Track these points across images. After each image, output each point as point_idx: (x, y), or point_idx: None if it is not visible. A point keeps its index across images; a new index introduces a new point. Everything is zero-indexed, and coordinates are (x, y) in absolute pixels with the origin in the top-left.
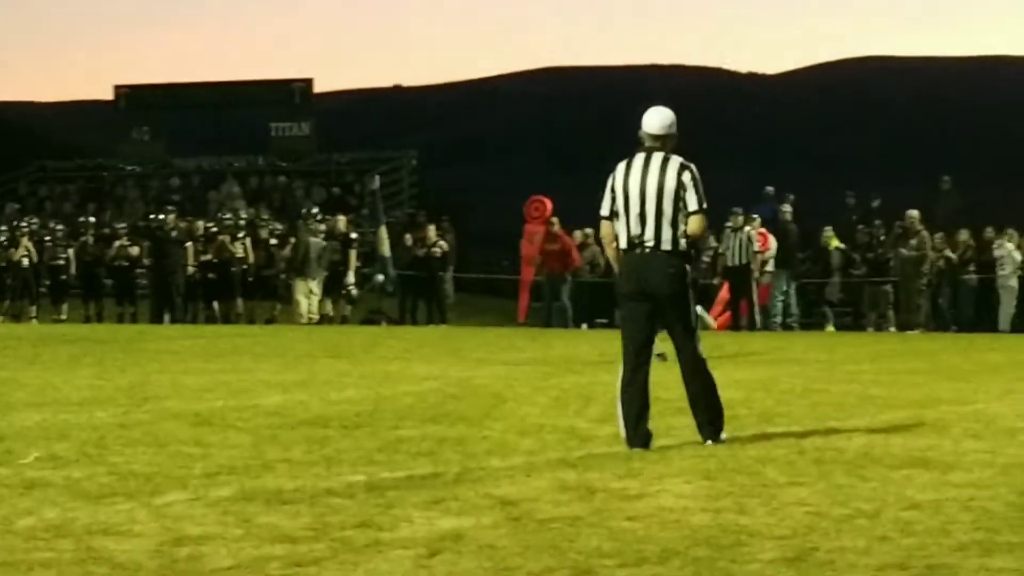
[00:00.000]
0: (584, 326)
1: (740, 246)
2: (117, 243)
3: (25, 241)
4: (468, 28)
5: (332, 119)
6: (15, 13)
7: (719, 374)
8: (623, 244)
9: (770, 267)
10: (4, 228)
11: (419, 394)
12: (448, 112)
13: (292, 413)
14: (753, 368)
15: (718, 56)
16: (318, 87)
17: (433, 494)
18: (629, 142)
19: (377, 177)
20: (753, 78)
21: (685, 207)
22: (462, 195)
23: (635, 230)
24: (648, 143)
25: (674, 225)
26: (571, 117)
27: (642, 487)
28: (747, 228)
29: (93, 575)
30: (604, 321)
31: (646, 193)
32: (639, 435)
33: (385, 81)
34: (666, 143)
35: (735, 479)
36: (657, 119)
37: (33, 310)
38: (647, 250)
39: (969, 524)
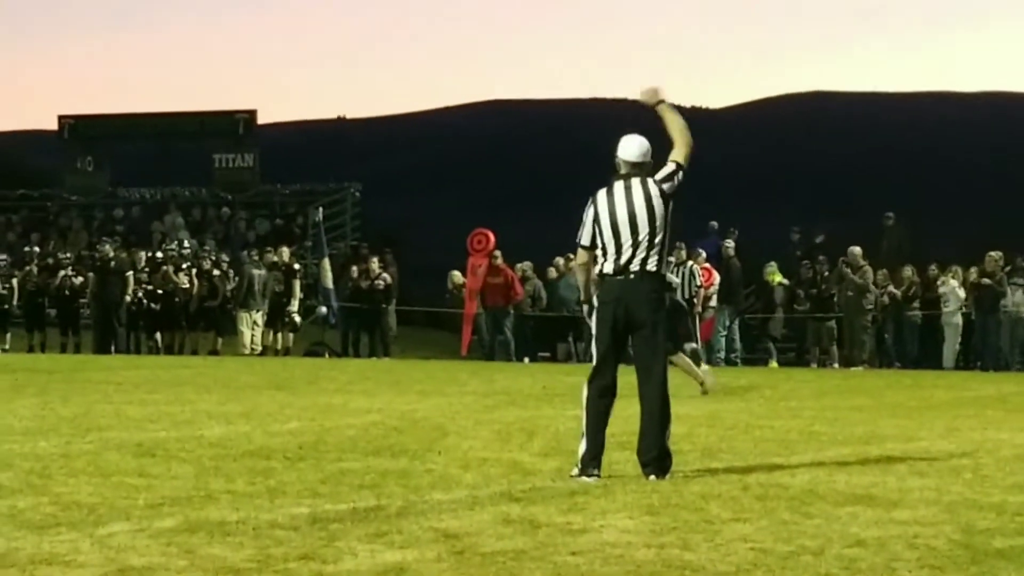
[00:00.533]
0: (526, 359)
1: (684, 281)
2: (61, 273)
3: None
4: (412, 61)
5: (276, 150)
6: None
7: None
8: (607, 270)
9: (713, 302)
10: None
11: (362, 427)
12: (392, 144)
13: (235, 444)
14: (696, 403)
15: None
16: (262, 118)
17: (376, 527)
18: (573, 174)
19: (320, 209)
20: (698, 112)
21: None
22: (404, 228)
23: (624, 256)
24: (625, 170)
25: (660, 250)
26: (515, 150)
27: (586, 522)
28: (690, 263)
29: None
30: (546, 355)
31: (635, 219)
32: (595, 451)
33: (329, 113)
34: (643, 169)
35: (679, 515)
36: (635, 146)
37: None
38: (632, 276)
39: (914, 562)
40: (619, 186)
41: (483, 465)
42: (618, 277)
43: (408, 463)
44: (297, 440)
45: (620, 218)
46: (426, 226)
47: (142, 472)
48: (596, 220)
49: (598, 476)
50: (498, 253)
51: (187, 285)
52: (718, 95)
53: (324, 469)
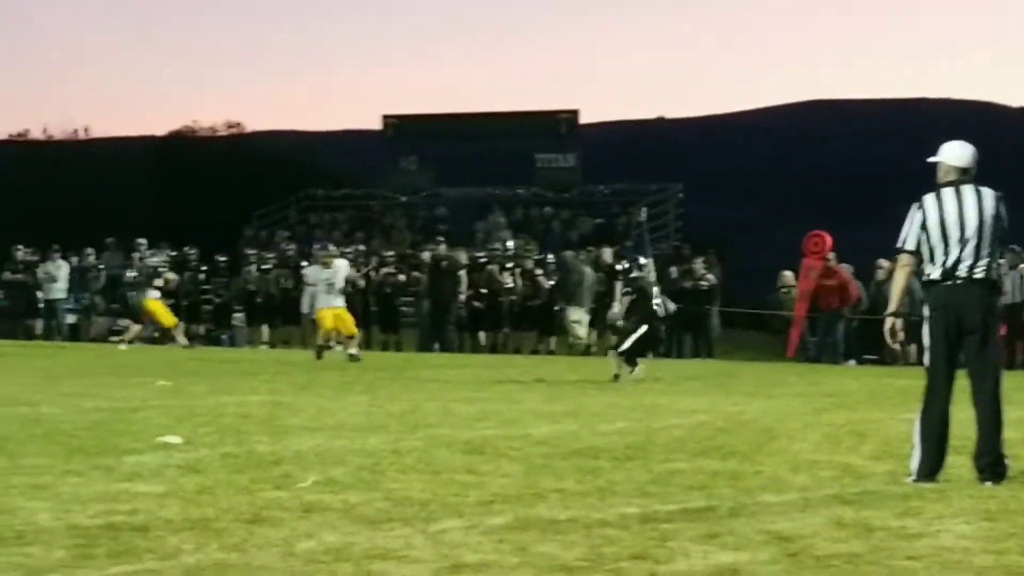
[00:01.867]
0: (852, 362)
1: (1018, 283)
2: (383, 270)
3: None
4: (731, 62)
5: (596, 150)
6: (285, 43)
7: None
8: (936, 276)
9: None
10: (273, 255)
11: (689, 427)
12: (711, 145)
13: (563, 443)
14: None
15: (991, 90)
16: (583, 118)
17: (708, 528)
18: (898, 176)
19: (645, 209)
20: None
21: (1003, 239)
22: (726, 229)
23: (952, 261)
24: (954, 176)
25: (991, 256)
26: (835, 151)
27: (921, 526)
28: (1022, 266)
29: None
30: (872, 357)
31: (966, 224)
32: (931, 466)
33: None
34: (970, 175)
35: (1018, 521)
36: (965, 152)
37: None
38: (961, 281)
39: None
40: (949, 192)
41: (813, 467)
42: (949, 282)
43: (737, 464)
44: (624, 440)
45: (951, 223)
46: (746, 228)
47: (471, 469)
48: (924, 226)
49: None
50: (832, 255)
51: (511, 284)
52: None
53: (652, 469)
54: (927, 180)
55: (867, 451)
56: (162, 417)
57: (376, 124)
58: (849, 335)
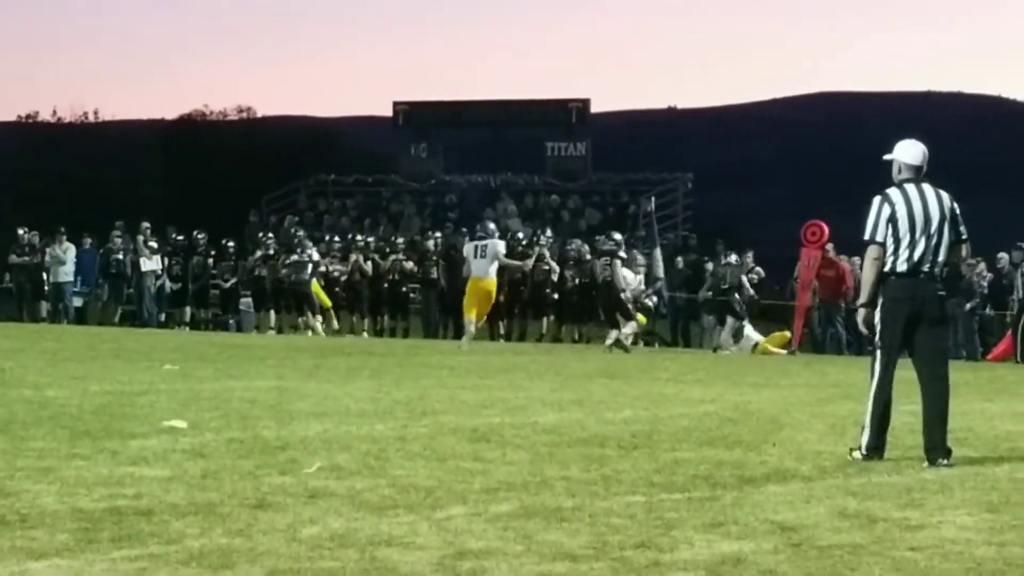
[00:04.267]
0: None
1: None
2: (392, 257)
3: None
4: (742, 53)
5: (606, 140)
6: (297, 27)
7: (999, 406)
8: (901, 269)
9: None
10: (277, 240)
11: (695, 417)
12: (722, 136)
13: (569, 432)
14: None
15: (998, 84)
16: (594, 107)
17: (712, 517)
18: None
19: (652, 199)
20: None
21: (958, 234)
22: (735, 219)
23: (918, 255)
24: (909, 174)
25: (947, 252)
26: (844, 143)
27: (923, 518)
28: None
29: None
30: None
31: (930, 220)
32: (880, 443)
33: (660, 103)
34: (921, 174)
35: (1019, 513)
36: (918, 151)
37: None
38: (924, 275)
39: None
40: (912, 188)
41: (818, 458)
42: (911, 276)
43: (743, 454)
44: (631, 429)
45: (917, 219)
46: (757, 218)
47: (477, 457)
48: (892, 220)
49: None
50: (830, 246)
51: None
52: None
53: (658, 458)
54: (936, 174)
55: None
56: (168, 401)
57: (387, 111)
58: (850, 326)
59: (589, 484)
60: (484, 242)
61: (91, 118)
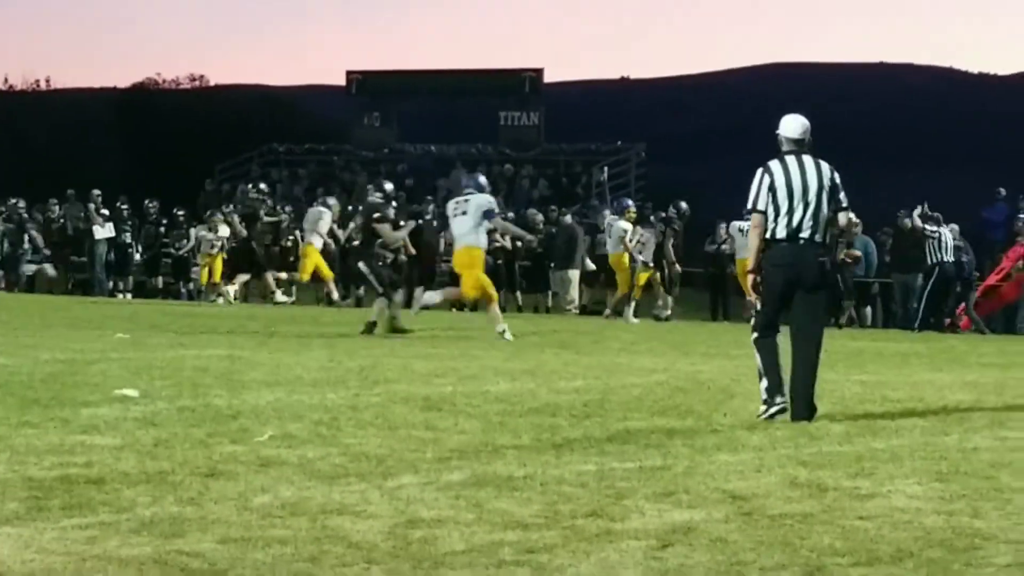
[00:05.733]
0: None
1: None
2: (352, 225)
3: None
4: (696, 23)
5: (559, 110)
6: None
7: (950, 376)
8: (780, 235)
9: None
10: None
11: (647, 386)
12: (674, 106)
13: (521, 401)
14: (984, 371)
15: (948, 56)
16: (547, 77)
17: (663, 486)
18: (859, 139)
19: (606, 169)
20: (985, 78)
21: (839, 203)
22: (687, 189)
23: (796, 222)
24: (790, 147)
25: (826, 220)
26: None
27: (873, 487)
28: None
29: (329, 554)
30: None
31: (808, 189)
32: (778, 386)
33: (612, 73)
34: (803, 147)
35: (968, 482)
36: (799, 125)
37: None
38: (803, 241)
39: None
40: (791, 159)
41: (769, 428)
42: (791, 242)
43: (694, 423)
44: (582, 398)
45: (796, 188)
46: (706, 188)
47: (429, 425)
48: (772, 189)
49: (785, 403)
50: None
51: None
52: (1004, 61)
53: (610, 427)
54: (880, 145)
55: (821, 411)
56: (120, 370)
57: (340, 80)
58: None
59: (541, 453)
60: (466, 197)
61: (43, 86)
